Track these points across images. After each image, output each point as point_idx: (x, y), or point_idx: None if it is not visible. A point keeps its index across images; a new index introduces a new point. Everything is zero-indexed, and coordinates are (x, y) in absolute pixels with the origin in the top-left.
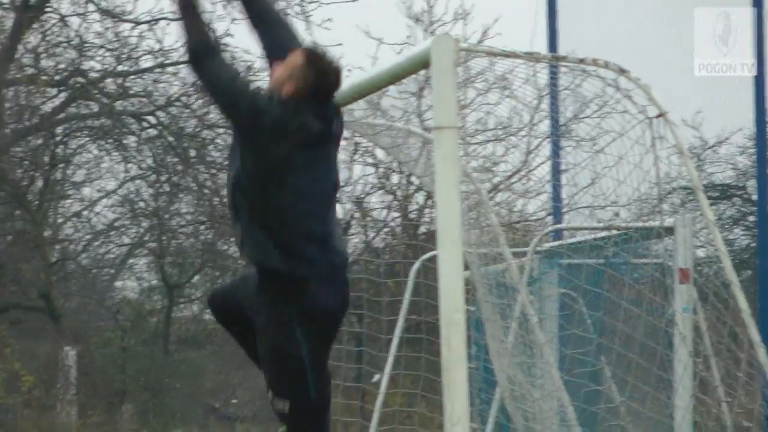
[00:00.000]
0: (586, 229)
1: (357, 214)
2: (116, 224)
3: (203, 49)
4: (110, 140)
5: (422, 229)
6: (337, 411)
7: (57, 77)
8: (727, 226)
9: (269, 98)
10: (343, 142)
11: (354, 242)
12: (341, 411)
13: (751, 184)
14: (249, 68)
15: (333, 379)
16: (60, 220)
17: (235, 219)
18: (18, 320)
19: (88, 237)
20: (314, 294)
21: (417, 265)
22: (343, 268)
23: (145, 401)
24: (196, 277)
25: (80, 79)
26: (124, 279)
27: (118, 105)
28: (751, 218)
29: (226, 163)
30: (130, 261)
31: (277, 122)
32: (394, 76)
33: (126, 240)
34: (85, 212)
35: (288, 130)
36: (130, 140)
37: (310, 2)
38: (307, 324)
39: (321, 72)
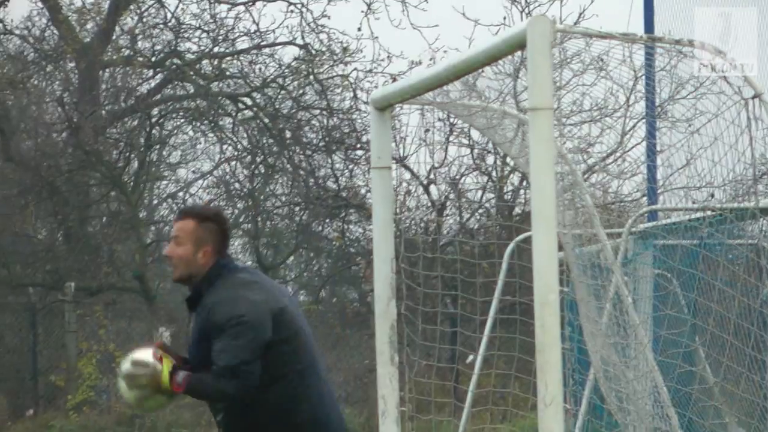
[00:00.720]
0: (680, 210)
1: (452, 195)
2: (211, 205)
3: (228, 392)
4: (206, 121)
5: (517, 210)
6: (431, 392)
7: (153, 59)
8: None
9: (251, 302)
10: (438, 123)
11: (449, 223)
12: (435, 392)
13: None
14: (345, 49)
15: (428, 360)
16: (155, 202)
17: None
18: (113, 301)
19: None
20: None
21: (511, 246)
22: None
23: None
24: (291, 259)
25: (176, 61)
26: None
27: (214, 86)
28: None
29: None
30: None
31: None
32: (490, 57)
33: None
34: (180, 193)
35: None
36: (226, 122)
37: None
38: None
39: (217, 219)
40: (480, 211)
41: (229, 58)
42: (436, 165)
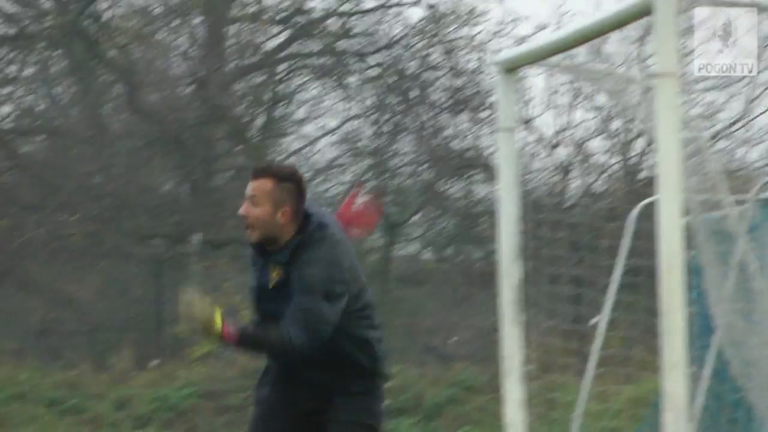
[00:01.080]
0: None
1: (577, 158)
2: (336, 162)
3: (299, 346)
4: (332, 79)
5: (643, 174)
6: (555, 353)
7: (279, 16)
8: None
9: (338, 265)
10: (564, 86)
11: (574, 186)
12: (559, 353)
13: None
14: (471, 11)
15: (552, 320)
16: (280, 157)
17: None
18: (238, 255)
19: (308, 174)
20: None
21: (637, 209)
22: None
23: None
24: (416, 216)
25: (302, 18)
26: None
27: (340, 44)
28: None
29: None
30: None
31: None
32: (617, 23)
33: (346, 178)
34: (305, 150)
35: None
36: (352, 79)
37: None
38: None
39: (295, 178)
40: (605, 174)
41: (355, 16)
42: (562, 128)
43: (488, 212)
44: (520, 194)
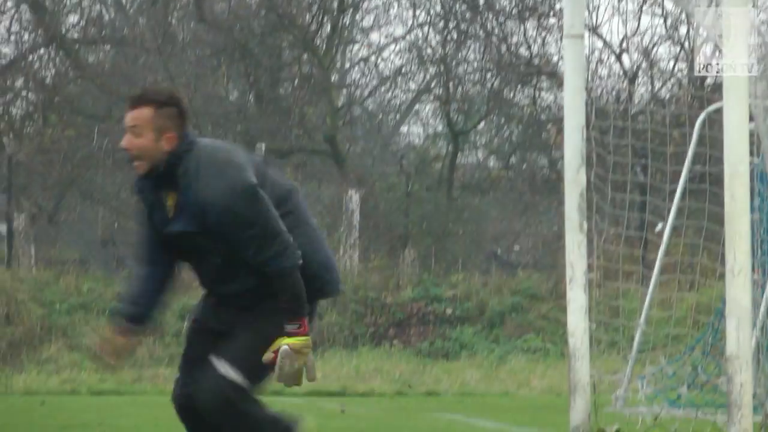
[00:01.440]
0: None
1: (644, 65)
2: (403, 70)
3: (298, 261)
4: None
5: (709, 80)
6: (619, 259)
7: None
8: None
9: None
10: None
11: (640, 92)
12: (624, 260)
13: None
14: None
15: (616, 228)
16: (347, 65)
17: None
18: (303, 163)
19: (374, 82)
20: None
21: (702, 116)
22: None
23: (427, 246)
24: (482, 124)
25: None
26: (410, 124)
27: None
28: None
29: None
30: (416, 107)
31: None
32: None
33: (412, 86)
34: (372, 57)
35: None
36: None
37: None
38: None
39: (174, 101)
40: (671, 80)
41: None
42: (629, 34)
43: (554, 119)
44: (586, 101)
